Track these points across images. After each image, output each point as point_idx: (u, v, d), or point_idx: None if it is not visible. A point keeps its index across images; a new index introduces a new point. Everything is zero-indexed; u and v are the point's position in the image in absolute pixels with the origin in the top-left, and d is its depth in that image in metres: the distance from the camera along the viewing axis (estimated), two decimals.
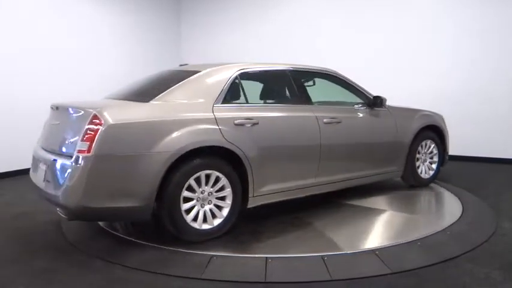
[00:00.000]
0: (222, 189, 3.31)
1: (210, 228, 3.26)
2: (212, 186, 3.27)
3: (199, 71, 3.61)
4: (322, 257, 2.91)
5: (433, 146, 5.04)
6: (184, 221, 3.14)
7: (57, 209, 3.12)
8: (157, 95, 3.31)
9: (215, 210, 3.30)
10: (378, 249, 3.04)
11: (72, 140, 3.04)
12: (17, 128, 5.91)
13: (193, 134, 3.18)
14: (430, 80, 6.92)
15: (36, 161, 3.48)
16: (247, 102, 3.72)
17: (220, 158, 3.31)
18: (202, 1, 8.88)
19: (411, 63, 7.07)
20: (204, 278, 2.72)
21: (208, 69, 3.65)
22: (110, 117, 2.93)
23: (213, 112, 3.34)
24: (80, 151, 2.87)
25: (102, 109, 2.98)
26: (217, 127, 3.29)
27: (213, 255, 2.97)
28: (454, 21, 6.77)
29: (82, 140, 2.89)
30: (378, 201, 4.44)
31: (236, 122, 3.40)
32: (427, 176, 5.02)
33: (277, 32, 8.12)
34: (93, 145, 2.84)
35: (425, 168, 5.00)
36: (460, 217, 3.76)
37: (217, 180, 3.28)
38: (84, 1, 7.01)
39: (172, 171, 3.06)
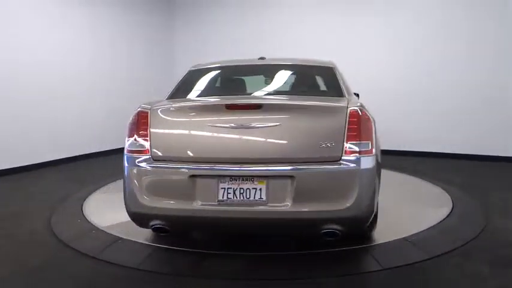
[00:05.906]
0: None
1: None
2: None
3: (332, 66, 3.65)
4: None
5: None
6: None
7: (329, 227, 2.59)
8: (339, 91, 3.27)
9: None
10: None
11: (323, 142, 2.59)
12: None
13: None
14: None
15: (210, 181, 2.67)
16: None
17: None
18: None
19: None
20: (385, 268, 2.71)
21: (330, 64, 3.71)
22: (366, 111, 2.77)
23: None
24: (361, 152, 2.58)
25: (359, 104, 2.80)
26: None
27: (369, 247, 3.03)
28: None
29: (362, 140, 2.60)
30: None
31: None
32: None
33: (274, 30, 8.09)
34: (373, 144, 2.64)
35: None
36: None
37: None
38: (83, 2, 6.98)
39: None
